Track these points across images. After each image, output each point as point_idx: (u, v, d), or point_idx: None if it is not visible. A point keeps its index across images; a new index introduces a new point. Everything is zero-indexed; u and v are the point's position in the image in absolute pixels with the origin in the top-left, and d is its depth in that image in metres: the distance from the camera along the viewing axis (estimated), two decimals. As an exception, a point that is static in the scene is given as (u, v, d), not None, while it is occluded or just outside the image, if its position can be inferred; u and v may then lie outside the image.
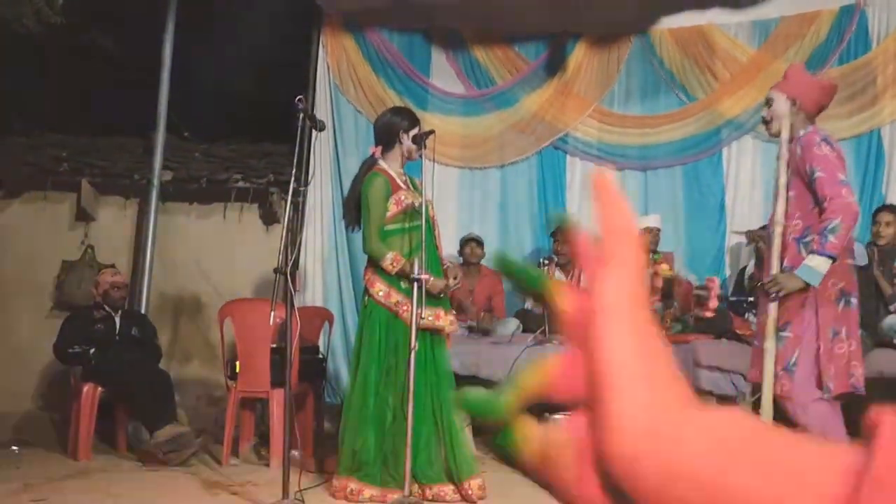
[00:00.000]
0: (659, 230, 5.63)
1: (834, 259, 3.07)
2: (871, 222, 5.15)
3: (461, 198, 6.41)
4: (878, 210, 5.13)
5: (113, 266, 5.84)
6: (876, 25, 5.98)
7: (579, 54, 6.35)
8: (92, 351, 5.06)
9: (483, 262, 5.93)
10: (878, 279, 4.75)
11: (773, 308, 3.15)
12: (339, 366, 6.08)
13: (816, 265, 3.06)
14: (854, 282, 3.29)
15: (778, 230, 3.22)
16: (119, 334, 5.28)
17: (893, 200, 5.74)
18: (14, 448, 5.14)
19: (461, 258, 5.88)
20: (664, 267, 5.25)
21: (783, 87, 3.42)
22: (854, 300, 3.25)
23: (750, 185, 6.05)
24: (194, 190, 6.48)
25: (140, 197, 6.51)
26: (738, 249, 6.02)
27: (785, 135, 3.31)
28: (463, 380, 4.61)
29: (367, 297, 3.86)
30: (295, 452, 4.03)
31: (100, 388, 4.94)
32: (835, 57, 5.97)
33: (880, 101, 5.86)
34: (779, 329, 3.16)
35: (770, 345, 3.13)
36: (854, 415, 3.21)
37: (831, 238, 3.04)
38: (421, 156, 3.94)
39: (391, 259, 3.75)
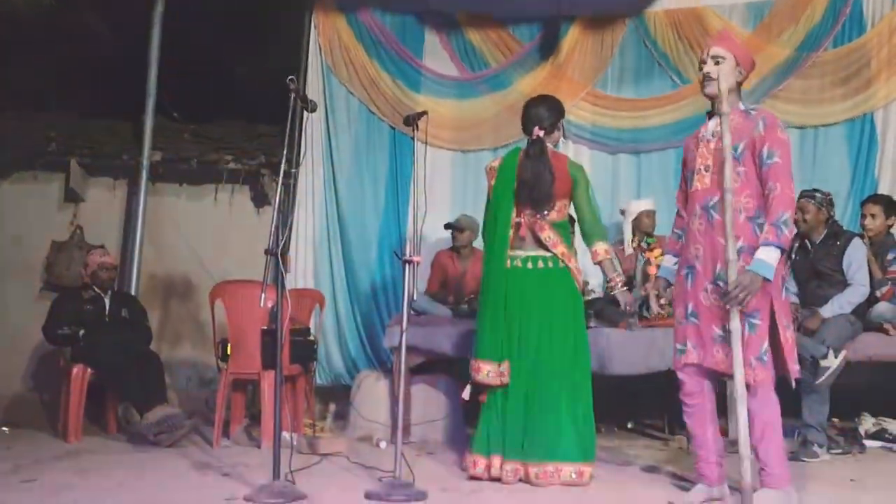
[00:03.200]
0: (654, 213, 5.59)
1: (783, 251, 3.01)
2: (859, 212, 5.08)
3: (454, 180, 6.37)
4: (865, 201, 4.99)
5: (102, 247, 5.80)
6: (871, 8, 5.97)
7: (573, 37, 6.31)
8: (81, 332, 5.03)
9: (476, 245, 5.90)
10: (870, 263, 4.72)
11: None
12: (331, 347, 6.07)
13: (772, 259, 2.98)
14: (787, 271, 3.23)
15: (729, 198, 3.04)
16: (108, 315, 5.25)
17: (885, 184, 5.73)
18: (4, 429, 5.12)
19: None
20: (658, 254, 5.22)
21: (733, 48, 3.22)
22: (791, 288, 3.18)
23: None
24: (184, 171, 6.44)
25: (129, 178, 6.47)
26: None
27: (724, 86, 3.12)
28: (459, 362, 4.63)
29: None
30: (286, 434, 4.02)
31: (89, 370, 4.92)
32: (829, 39, 5.96)
33: (874, 84, 5.85)
34: (748, 315, 3.06)
35: (736, 325, 3.01)
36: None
37: (785, 231, 2.96)
38: (414, 138, 3.91)
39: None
